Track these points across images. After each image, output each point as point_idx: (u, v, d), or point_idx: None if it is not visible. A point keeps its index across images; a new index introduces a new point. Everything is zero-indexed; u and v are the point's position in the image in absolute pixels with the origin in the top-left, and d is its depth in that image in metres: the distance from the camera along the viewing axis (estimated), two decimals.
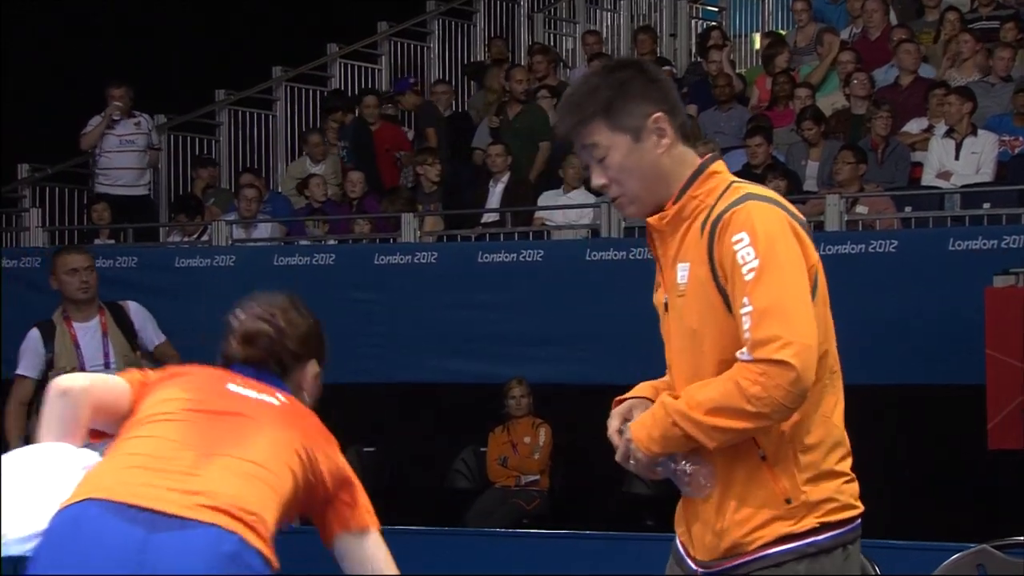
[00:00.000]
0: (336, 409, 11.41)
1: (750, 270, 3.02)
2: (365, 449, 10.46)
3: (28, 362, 7.31)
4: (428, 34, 14.46)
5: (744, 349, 3.01)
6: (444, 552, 8.53)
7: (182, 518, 2.74)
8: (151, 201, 12.49)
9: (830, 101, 11.67)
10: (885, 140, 10.67)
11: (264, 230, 11.61)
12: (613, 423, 3.22)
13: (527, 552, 8.63)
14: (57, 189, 12.46)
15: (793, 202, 11.68)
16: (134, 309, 7.53)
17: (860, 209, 10.17)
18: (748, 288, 3.02)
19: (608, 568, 8.04)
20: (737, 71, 12.91)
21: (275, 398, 3.13)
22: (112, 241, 11.60)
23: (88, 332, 7.34)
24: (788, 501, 3.09)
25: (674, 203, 3.17)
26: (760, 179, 10.28)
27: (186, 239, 11.57)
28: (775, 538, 3.10)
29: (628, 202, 3.21)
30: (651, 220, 3.20)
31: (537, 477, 9.71)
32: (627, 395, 3.31)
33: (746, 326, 3.01)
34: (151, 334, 7.51)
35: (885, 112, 10.70)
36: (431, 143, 12.48)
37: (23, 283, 10.56)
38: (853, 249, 9.31)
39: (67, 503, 2.76)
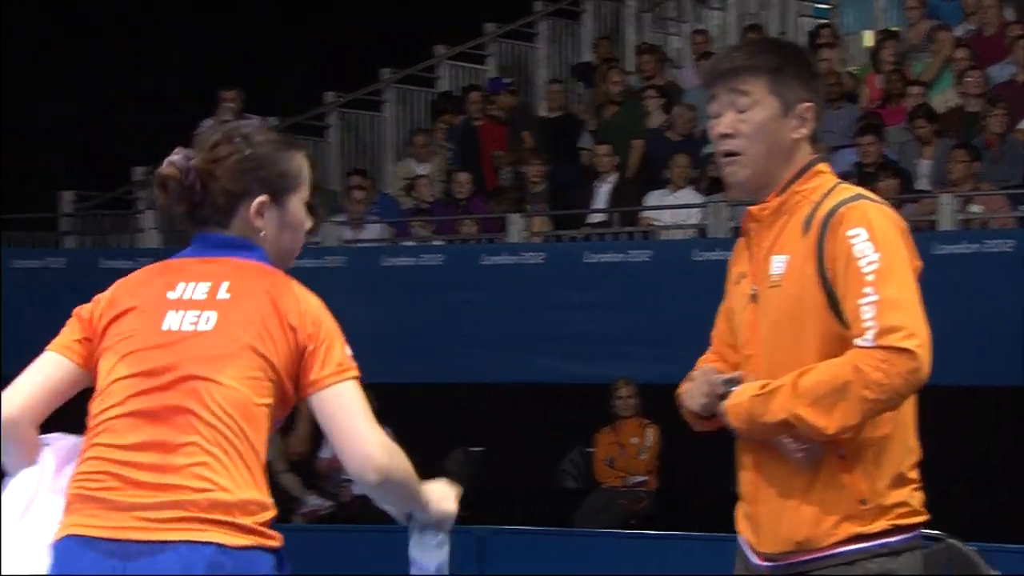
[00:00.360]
0: (443, 409, 11.57)
1: (870, 263, 3.05)
2: (472, 449, 10.49)
3: None
4: (535, 35, 14.48)
5: (867, 335, 3.01)
6: (552, 552, 8.53)
7: (152, 542, 2.70)
8: None
9: (943, 99, 11.49)
10: (1001, 138, 10.49)
11: (372, 231, 11.69)
12: (702, 388, 3.24)
13: (634, 553, 8.60)
14: None
15: (906, 201, 11.58)
16: None
17: (974, 208, 10.01)
18: (870, 281, 3.04)
19: (715, 569, 7.98)
20: (847, 69, 12.76)
21: (213, 304, 2.86)
22: None
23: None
24: (863, 502, 3.11)
25: (777, 195, 3.21)
26: (872, 178, 10.15)
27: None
28: (847, 536, 3.11)
29: (742, 164, 3.21)
30: (752, 209, 3.23)
31: (645, 478, 9.68)
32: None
33: (869, 315, 3.02)
34: None
35: (1001, 110, 10.52)
36: (527, 145, 12.49)
37: None
38: (968, 249, 9.16)
39: (55, 539, 2.80)
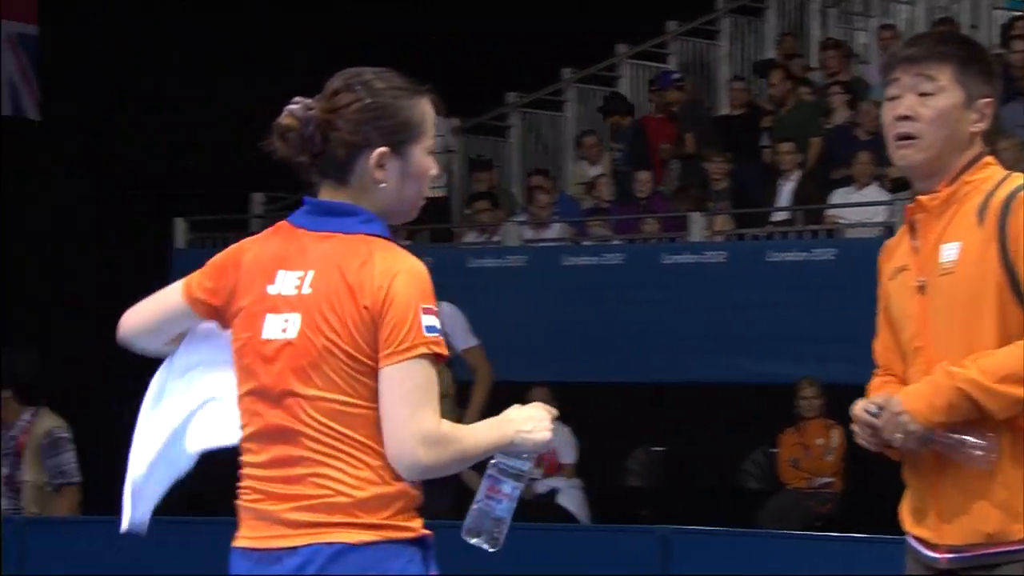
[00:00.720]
0: (625, 409, 11.53)
1: None
2: (653, 448, 10.47)
3: None
4: (717, 32, 14.37)
5: None
6: (736, 553, 8.47)
7: (285, 548, 2.76)
8: (448, 202, 12.77)
9: None
10: None
11: (553, 231, 11.73)
12: (860, 403, 3.20)
13: (820, 555, 8.49)
14: None
15: None
16: (444, 311, 7.51)
17: None
18: None
19: (903, 572, 7.84)
20: None
21: (297, 304, 2.79)
22: (408, 241, 11.91)
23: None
24: None
25: (948, 185, 3.19)
26: None
27: (479, 239, 11.76)
28: None
29: (918, 148, 3.19)
30: (923, 199, 3.20)
31: (831, 480, 9.54)
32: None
33: None
34: (458, 338, 7.50)
35: None
36: (688, 145, 12.39)
37: None
38: None
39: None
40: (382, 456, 2.75)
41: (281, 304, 2.80)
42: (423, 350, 2.73)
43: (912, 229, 3.23)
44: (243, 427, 2.86)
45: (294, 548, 2.74)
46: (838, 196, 10.97)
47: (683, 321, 10.30)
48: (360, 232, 2.81)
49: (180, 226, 12.02)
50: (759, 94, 13.66)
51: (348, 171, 2.83)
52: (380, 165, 2.82)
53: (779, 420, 9.70)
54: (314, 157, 2.83)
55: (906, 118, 3.18)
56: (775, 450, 9.80)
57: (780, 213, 11.26)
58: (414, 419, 2.71)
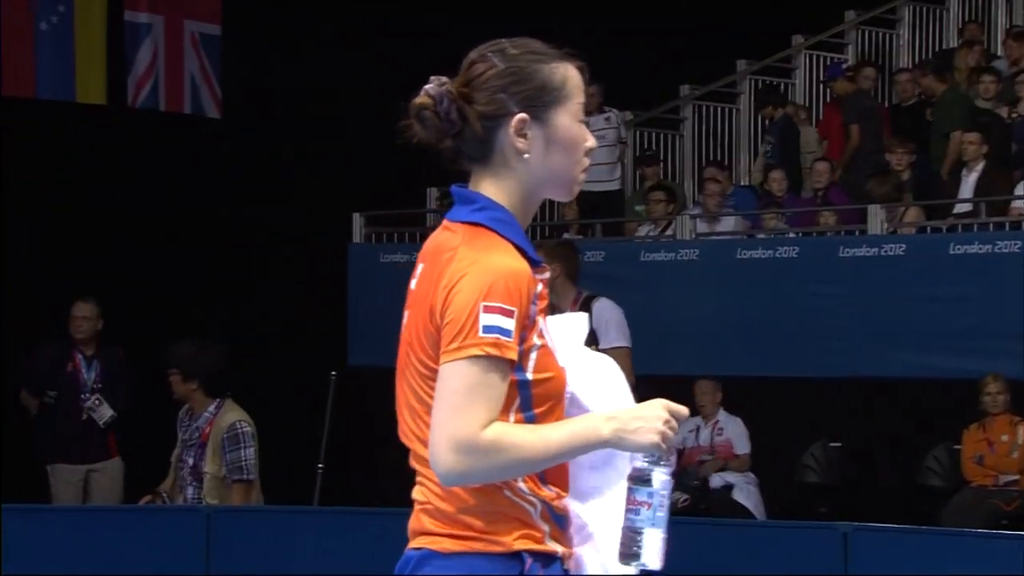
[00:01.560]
0: (803, 403, 11.41)
1: None
2: (831, 444, 10.31)
3: None
4: (897, 21, 14.08)
5: None
6: (919, 551, 8.30)
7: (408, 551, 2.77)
8: (622, 195, 12.74)
9: None
10: None
11: (728, 223, 11.63)
12: None
13: (1006, 554, 8.27)
14: None
15: None
16: (599, 307, 7.43)
17: None
18: None
19: None
20: None
21: (408, 301, 2.71)
22: (580, 236, 11.91)
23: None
24: None
25: None
26: None
27: (652, 233, 11.71)
28: None
29: None
30: None
31: (1016, 477, 9.31)
32: None
33: None
34: (609, 335, 7.38)
35: None
36: (852, 139, 12.15)
37: None
38: None
39: None
40: None
41: (408, 301, 2.73)
42: (475, 351, 2.54)
43: None
44: None
45: (405, 552, 2.73)
46: (1023, 187, 10.68)
47: (863, 315, 10.13)
48: (468, 221, 2.65)
49: (357, 221, 12.19)
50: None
51: (490, 147, 2.66)
52: (520, 133, 2.64)
53: (963, 416, 9.49)
54: (455, 139, 2.67)
55: None
56: (958, 447, 9.59)
57: (963, 205, 11.00)
58: (450, 423, 2.55)
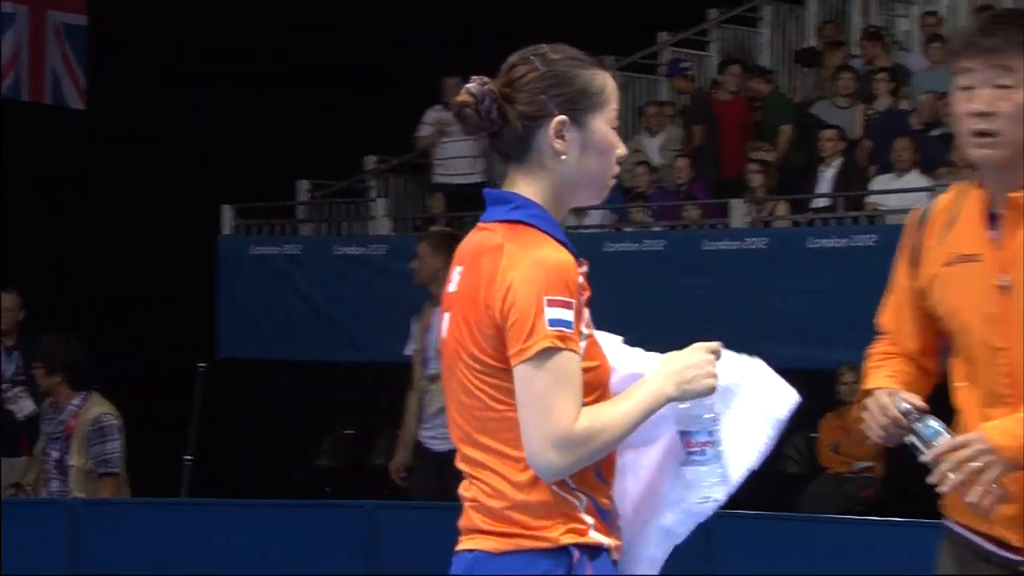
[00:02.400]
0: None
1: None
2: None
3: (408, 342, 7.72)
4: (759, 20, 14.39)
5: None
6: (778, 537, 8.53)
7: (456, 553, 2.78)
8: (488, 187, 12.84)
9: None
10: None
11: (595, 217, 11.80)
12: (886, 396, 3.08)
13: (862, 539, 8.54)
14: (402, 179, 13.01)
15: None
16: None
17: None
18: None
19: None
20: None
21: (449, 302, 2.77)
22: (448, 229, 12.00)
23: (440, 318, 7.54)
24: None
25: None
26: None
27: None
28: None
29: (999, 146, 3.03)
30: (1014, 196, 3.06)
31: (871, 463, 9.58)
32: (874, 387, 3.19)
33: None
34: None
35: None
36: (695, 141, 12.45)
37: (370, 269, 11.09)
38: None
39: None
40: (520, 462, 2.67)
41: (447, 302, 2.79)
42: (546, 344, 2.60)
43: (991, 219, 3.09)
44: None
45: (457, 552, 2.75)
46: (879, 183, 11.00)
47: (726, 308, 10.36)
48: (508, 219, 2.72)
49: (227, 213, 12.16)
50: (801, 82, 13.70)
51: (527, 147, 2.74)
52: (559, 135, 2.73)
53: (820, 406, 9.75)
54: (493, 138, 2.75)
55: (985, 114, 3.02)
56: (815, 435, 9.85)
57: (820, 200, 11.30)
58: (544, 423, 2.61)
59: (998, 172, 3.06)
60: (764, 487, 10.02)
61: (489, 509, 2.70)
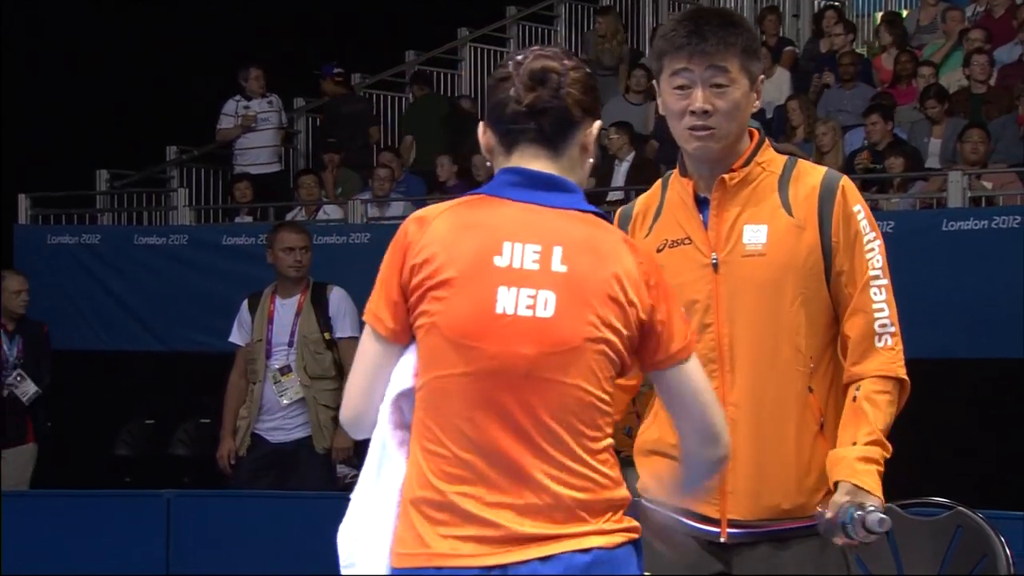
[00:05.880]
0: None
1: (871, 243, 3.21)
2: None
3: (236, 332, 7.72)
4: (555, 17, 14.71)
5: (885, 339, 3.19)
6: None
7: (527, 561, 2.56)
8: (287, 176, 12.90)
9: (954, 78, 11.70)
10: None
11: (398, 208, 11.95)
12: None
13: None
14: (203, 169, 12.97)
15: (916, 179, 11.69)
16: (335, 296, 7.65)
17: (985, 184, 10.20)
18: (878, 266, 3.21)
19: None
20: (857, 50, 12.99)
21: (548, 280, 2.54)
22: (250, 219, 12.03)
23: (285, 309, 7.63)
24: None
25: (744, 166, 3.26)
26: (881, 156, 10.42)
27: (301, 217, 11.82)
28: None
29: (716, 138, 3.21)
30: (725, 177, 3.25)
31: None
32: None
33: (884, 314, 3.19)
34: (344, 325, 7.56)
35: None
36: (372, 139, 12.73)
37: (171, 260, 11.06)
38: (976, 225, 9.40)
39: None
40: (613, 455, 2.64)
41: (520, 279, 2.53)
42: (694, 344, 2.72)
43: (698, 203, 3.27)
44: (441, 412, 2.55)
45: (547, 557, 2.51)
46: None
47: None
48: (589, 211, 2.63)
49: (23, 202, 11.99)
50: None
51: (566, 140, 2.64)
52: (596, 138, 2.70)
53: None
54: (543, 114, 2.62)
55: (704, 112, 3.18)
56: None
57: (615, 193, 11.66)
58: (719, 409, 2.72)
59: (712, 163, 3.25)
60: None
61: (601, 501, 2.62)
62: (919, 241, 9.12)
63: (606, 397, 2.57)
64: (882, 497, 3.12)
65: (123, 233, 11.77)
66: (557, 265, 2.55)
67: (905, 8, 14.36)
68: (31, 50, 12.17)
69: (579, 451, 2.55)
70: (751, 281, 3.20)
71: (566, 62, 2.64)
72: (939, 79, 11.53)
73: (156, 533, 7.52)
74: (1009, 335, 9.00)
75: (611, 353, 2.57)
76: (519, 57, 2.65)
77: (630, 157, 11.73)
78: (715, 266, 3.23)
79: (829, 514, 3.11)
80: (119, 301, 11.22)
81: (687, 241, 3.26)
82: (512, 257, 2.55)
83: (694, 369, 2.67)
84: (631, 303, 2.58)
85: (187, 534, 7.51)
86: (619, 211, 3.50)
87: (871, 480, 3.11)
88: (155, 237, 11.41)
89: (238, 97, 12.51)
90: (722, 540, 3.23)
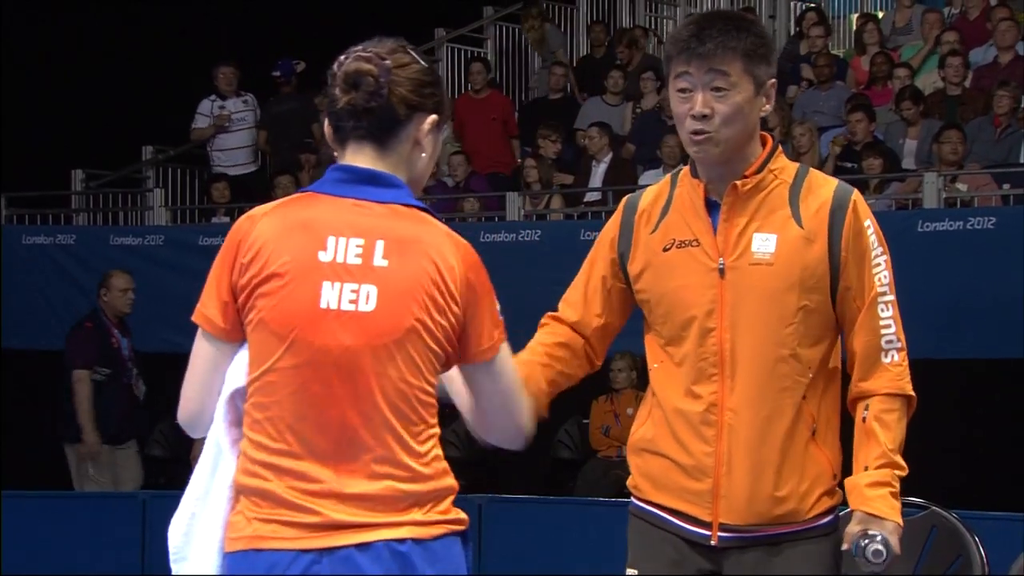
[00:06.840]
0: None
1: (878, 259, 3.24)
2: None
3: None
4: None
5: (892, 354, 3.23)
6: (547, 520, 8.79)
7: (348, 547, 2.61)
8: (263, 176, 12.88)
9: (930, 80, 11.74)
10: (1009, 119, 10.57)
11: None
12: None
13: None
14: (179, 169, 12.93)
15: (892, 180, 11.74)
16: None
17: (960, 186, 10.25)
18: (885, 282, 3.24)
19: None
20: (834, 52, 13.02)
21: (370, 275, 2.60)
22: (227, 219, 12.01)
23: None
24: (835, 476, 3.26)
25: (756, 172, 3.23)
26: (858, 157, 10.45)
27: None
28: (825, 509, 3.25)
29: (715, 143, 3.18)
30: (737, 183, 3.22)
31: None
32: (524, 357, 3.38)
33: (891, 330, 3.23)
34: None
35: (1007, 91, 10.56)
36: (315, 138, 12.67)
37: (147, 260, 11.03)
38: (951, 226, 9.44)
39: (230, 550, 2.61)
40: (439, 445, 2.68)
41: (343, 273, 2.60)
42: (504, 336, 2.74)
43: (708, 206, 3.25)
44: (269, 405, 2.61)
45: (364, 544, 2.57)
46: (647, 178, 11.39)
47: (503, 299, 10.56)
48: (414, 206, 2.67)
49: None
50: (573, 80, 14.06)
51: (395, 135, 2.68)
52: (429, 133, 2.71)
53: (592, 391, 10.04)
54: (364, 113, 2.66)
55: (702, 116, 3.16)
56: (587, 421, 10.15)
57: (593, 194, 11.67)
58: (524, 401, 2.79)
59: (715, 167, 3.23)
60: (537, 472, 10.35)
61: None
62: (895, 242, 9.09)
63: (429, 388, 2.64)
64: (897, 519, 3.16)
65: (99, 233, 11.74)
66: (379, 260, 2.61)
67: (880, 10, 14.40)
68: (5, 51, 12.12)
69: (402, 441, 2.61)
70: (757, 289, 3.20)
71: (387, 61, 2.66)
72: (915, 81, 11.56)
73: (132, 534, 7.50)
74: (984, 336, 9.05)
75: (433, 345, 2.63)
76: (342, 57, 2.69)
77: (607, 159, 11.75)
78: (721, 271, 3.22)
79: (845, 546, 3.18)
80: (94, 302, 11.17)
81: (695, 243, 3.25)
82: (336, 252, 2.61)
83: (500, 369, 2.71)
84: (451, 295, 2.64)
85: (163, 535, 7.48)
86: (626, 199, 3.48)
87: (882, 504, 3.15)
88: (131, 237, 11.38)
89: (213, 97, 12.48)
90: (712, 544, 3.24)
